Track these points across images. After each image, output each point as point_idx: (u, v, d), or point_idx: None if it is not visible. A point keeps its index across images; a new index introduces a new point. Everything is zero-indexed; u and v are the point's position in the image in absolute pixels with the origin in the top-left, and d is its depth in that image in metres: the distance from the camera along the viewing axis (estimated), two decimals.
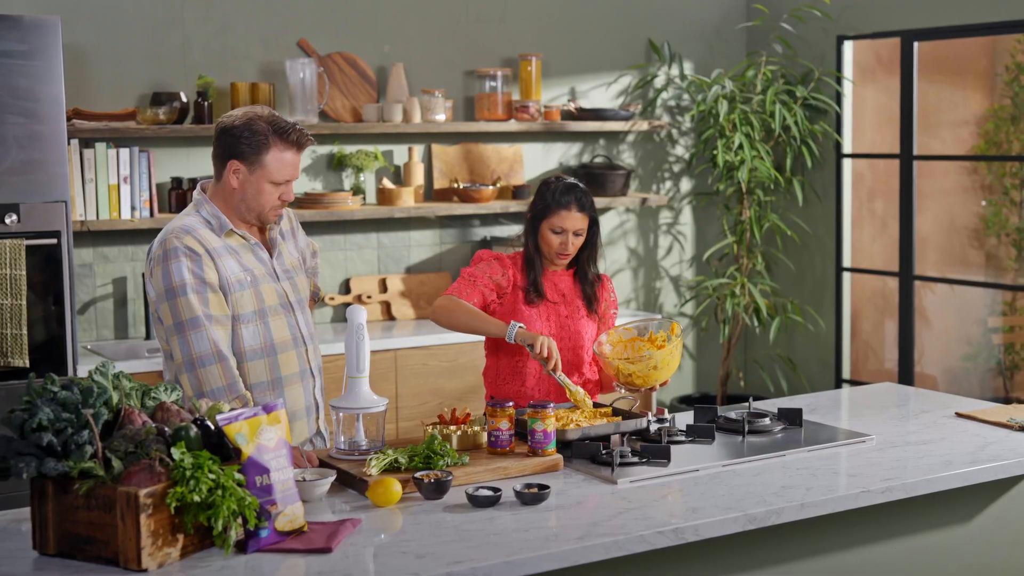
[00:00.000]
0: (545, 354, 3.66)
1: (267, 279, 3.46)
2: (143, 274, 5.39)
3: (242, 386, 3.32)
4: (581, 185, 3.91)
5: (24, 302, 4.47)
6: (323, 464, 3.26)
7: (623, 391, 3.78)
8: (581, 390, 3.71)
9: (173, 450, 2.59)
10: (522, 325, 3.74)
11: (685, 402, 6.65)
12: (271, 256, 3.51)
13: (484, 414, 3.61)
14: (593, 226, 3.91)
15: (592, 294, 3.97)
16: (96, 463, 2.57)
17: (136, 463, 2.59)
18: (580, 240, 3.88)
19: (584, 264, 3.96)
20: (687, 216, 6.80)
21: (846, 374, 6.68)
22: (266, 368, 3.43)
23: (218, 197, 3.43)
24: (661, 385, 3.77)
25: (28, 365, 4.49)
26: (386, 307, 5.90)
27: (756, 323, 6.51)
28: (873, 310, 7.03)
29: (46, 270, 4.58)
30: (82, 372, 4.69)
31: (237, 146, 3.35)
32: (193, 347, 3.28)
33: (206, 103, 5.35)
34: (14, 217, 4.49)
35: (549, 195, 3.87)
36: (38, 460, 2.57)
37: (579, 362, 3.93)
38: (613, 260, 6.55)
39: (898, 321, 6.39)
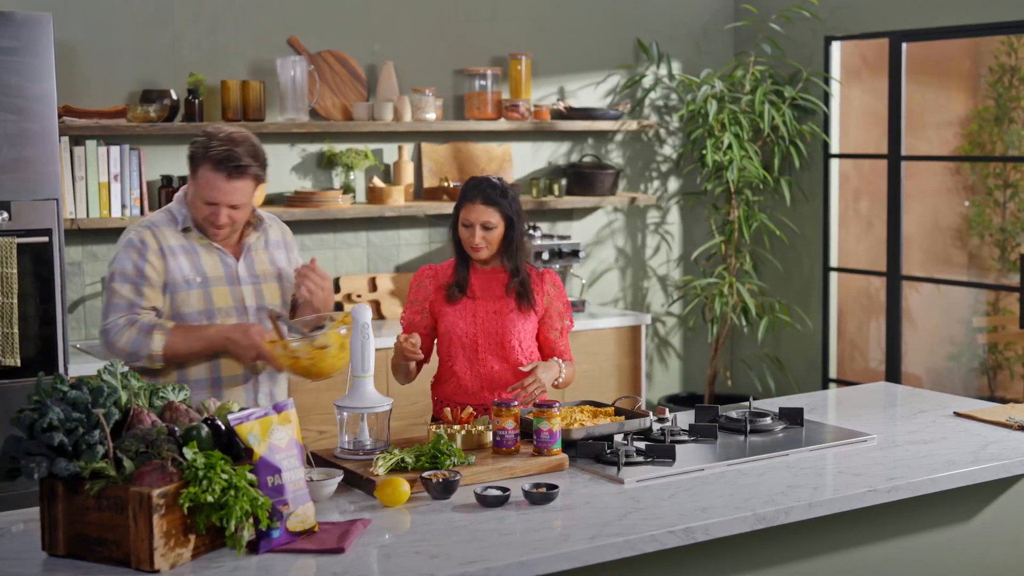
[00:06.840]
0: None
1: (221, 282, 3.54)
2: None
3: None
4: (495, 180, 3.88)
5: (15, 300, 4.43)
6: (328, 464, 3.25)
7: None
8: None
9: (185, 450, 2.57)
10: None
11: (672, 401, 6.66)
12: (237, 259, 3.57)
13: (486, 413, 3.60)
14: (512, 222, 3.86)
15: (521, 290, 3.94)
16: (107, 463, 2.55)
17: (147, 463, 2.57)
18: (492, 235, 3.84)
19: (504, 261, 3.93)
20: (675, 216, 6.80)
21: (833, 373, 6.70)
22: (206, 366, 3.53)
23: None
24: (315, 377, 3.60)
25: (19, 364, 4.45)
26: (375, 306, 5.87)
27: (744, 323, 6.53)
28: (858, 310, 7.06)
29: (37, 268, 4.54)
30: (73, 371, 4.65)
31: (190, 153, 3.52)
32: (110, 313, 3.47)
33: (197, 101, 5.31)
34: (5, 215, 4.45)
35: (463, 190, 3.90)
36: (49, 460, 2.54)
37: (507, 352, 3.88)
38: (601, 260, 6.55)
39: (885, 321, 6.41)
